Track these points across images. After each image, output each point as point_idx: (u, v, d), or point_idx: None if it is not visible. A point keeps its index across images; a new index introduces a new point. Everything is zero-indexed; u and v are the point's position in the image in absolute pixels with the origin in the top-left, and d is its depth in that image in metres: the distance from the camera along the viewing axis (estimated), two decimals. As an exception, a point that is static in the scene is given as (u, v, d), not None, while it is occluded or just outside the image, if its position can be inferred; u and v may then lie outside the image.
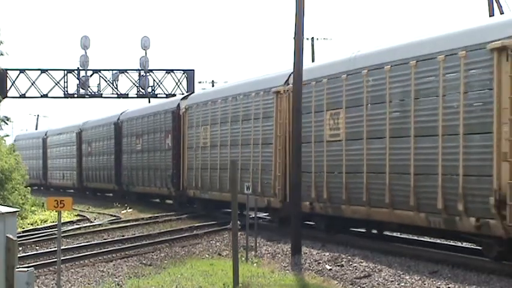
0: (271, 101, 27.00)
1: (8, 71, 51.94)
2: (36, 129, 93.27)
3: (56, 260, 16.37)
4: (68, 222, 34.45)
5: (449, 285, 16.01)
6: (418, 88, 18.97)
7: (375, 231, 23.58)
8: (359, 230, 24.34)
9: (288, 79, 25.88)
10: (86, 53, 53.29)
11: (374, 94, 20.88)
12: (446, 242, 21.86)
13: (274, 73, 28.48)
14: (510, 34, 16.12)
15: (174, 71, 54.80)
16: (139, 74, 53.95)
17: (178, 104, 37.22)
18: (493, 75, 16.35)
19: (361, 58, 21.97)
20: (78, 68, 53.17)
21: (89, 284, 18.47)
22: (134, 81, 54.01)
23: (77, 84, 53.18)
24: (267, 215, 28.70)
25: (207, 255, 22.55)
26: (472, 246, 20.95)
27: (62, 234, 19.04)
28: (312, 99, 23.84)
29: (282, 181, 26.09)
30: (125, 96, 54.34)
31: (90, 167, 53.47)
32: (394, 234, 23.75)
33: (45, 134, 66.73)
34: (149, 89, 54.04)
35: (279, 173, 26.24)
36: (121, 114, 47.95)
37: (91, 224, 33.60)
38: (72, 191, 58.70)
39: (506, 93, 15.97)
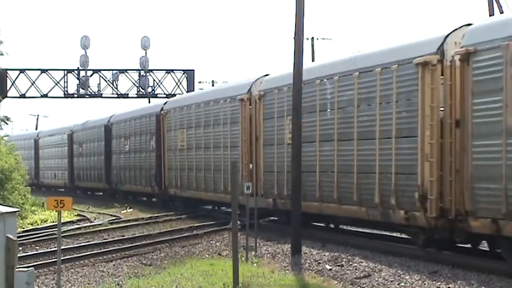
0: (237, 107, 29.80)
1: (8, 71, 51.97)
2: (36, 129, 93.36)
3: (56, 260, 16.37)
4: (68, 222, 34.46)
5: (449, 285, 16.01)
6: (360, 97, 21.56)
7: (332, 226, 25.71)
8: (318, 224, 26.26)
9: (250, 88, 29.04)
10: (86, 53, 53.34)
11: (323, 102, 23.50)
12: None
13: (240, 82, 31.71)
14: (430, 51, 18.76)
15: (174, 71, 54.84)
16: (139, 74, 53.98)
17: (162, 107, 39.39)
18: (418, 87, 18.97)
19: (315, 69, 24.68)
20: (78, 68, 53.21)
21: (89, 284, 18.47)
22: (134, 81, 54.04)
23: (77, 84, 53.25)
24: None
25: (207, 255, 22.55)
26: (471, 247, 21.01)
27: (62, 234, 19.04)
28: (274, 105, 26.52)
29: (248, 180, 27.84)
30: (125, 96, 54.39)
31: (81, 166, 55.56)
32: (394, 234, 23.78)
33: (37, 135, 68.93)
34: (149, 89, 54.09)
35: (245, 173, 28.83)
36: (111, 117, 49.61)
37: (91, 224, 33.61)
38: (63, 190, 60.23)
39: (428, 102, 18.66)
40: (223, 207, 34.25)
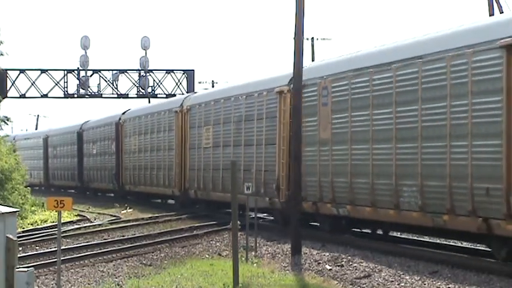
0: (173, 118, 37.68)
1: (8, 71, 51.97)
2: (36, 129, 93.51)
3: (56, 260, 16.38)
4: (68, 222, 34.44)
5: (449, 285, 16.01)
6: (246, 114, 29.34)
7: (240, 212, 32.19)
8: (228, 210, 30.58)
9: (182, 102, 37.09)
10: (86, 53, 53.34)
11: (225, 116, 31.30)
12: (446, 242, 21.89)
13: (176, 98, 42.85)
14: (284, 83, 26.13)
15: (174, 71, 54.86)
16: (139, 74, 53.98)
17: (120, 117, 46.80)
18: (277, 108, 26.58)
19: (221, 91, 33.66)
20: (78, 68, 53.22)
21: (89, 284, 18.47)
22: (134, 81, 54.06)
23: (77, 84, 53.26)
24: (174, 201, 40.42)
25: (207, 255, 22.55)
26: (472, 247, 21.01)
27: (62, 234, 19.04)
28: (196, 117, 34.71)
29: (180, 176, 36.49)
30: (125, 96, 54.42)
31: (55, 167, 62.99)
32: (395, 234, 23.78)
33: (14, 139, 74.24)
34: (149, 89, 54.09)
35: (177, 170, 36.66)
36: (83, 124, 56.16)
37: (91, 224, 33.60)
38: (37, 187, 64.76)
39: (282, 120, 26.27)
40: (170, 200, 41.46)
